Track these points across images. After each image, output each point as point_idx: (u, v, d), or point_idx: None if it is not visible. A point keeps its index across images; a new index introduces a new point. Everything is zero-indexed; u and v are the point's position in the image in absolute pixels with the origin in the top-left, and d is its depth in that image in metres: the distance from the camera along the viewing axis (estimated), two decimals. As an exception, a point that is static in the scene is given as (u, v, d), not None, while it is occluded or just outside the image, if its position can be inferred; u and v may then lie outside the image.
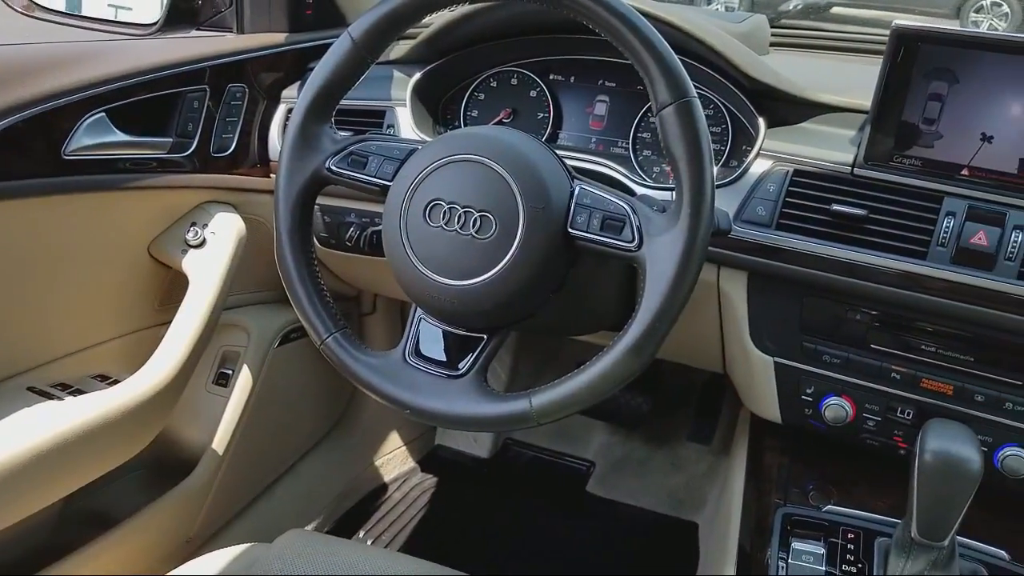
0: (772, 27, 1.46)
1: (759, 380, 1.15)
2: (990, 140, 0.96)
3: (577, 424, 2.05)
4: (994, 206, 0.96)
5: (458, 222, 0.86)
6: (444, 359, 0.92)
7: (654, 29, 0.81)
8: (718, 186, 1.08)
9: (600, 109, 1.29)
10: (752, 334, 1.13)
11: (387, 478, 1.93)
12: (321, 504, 1.75)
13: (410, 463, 1.98)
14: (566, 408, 0.84)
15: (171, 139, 1.24)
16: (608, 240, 0.85)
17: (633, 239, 0.83)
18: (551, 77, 1.32)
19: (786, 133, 1.10)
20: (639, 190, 1.14)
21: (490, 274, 0.85)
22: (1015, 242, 0.94)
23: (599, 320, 1.17)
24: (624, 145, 1.26)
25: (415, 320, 0.95)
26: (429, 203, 0.88)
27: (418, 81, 1.28)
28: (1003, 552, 0.99)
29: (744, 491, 1.21)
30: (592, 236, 0.85)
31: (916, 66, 0.96)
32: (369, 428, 1.88)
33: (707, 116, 1.18)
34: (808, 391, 1.11)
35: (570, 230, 0.86)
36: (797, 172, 1.04)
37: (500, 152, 0.87)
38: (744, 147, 1.15)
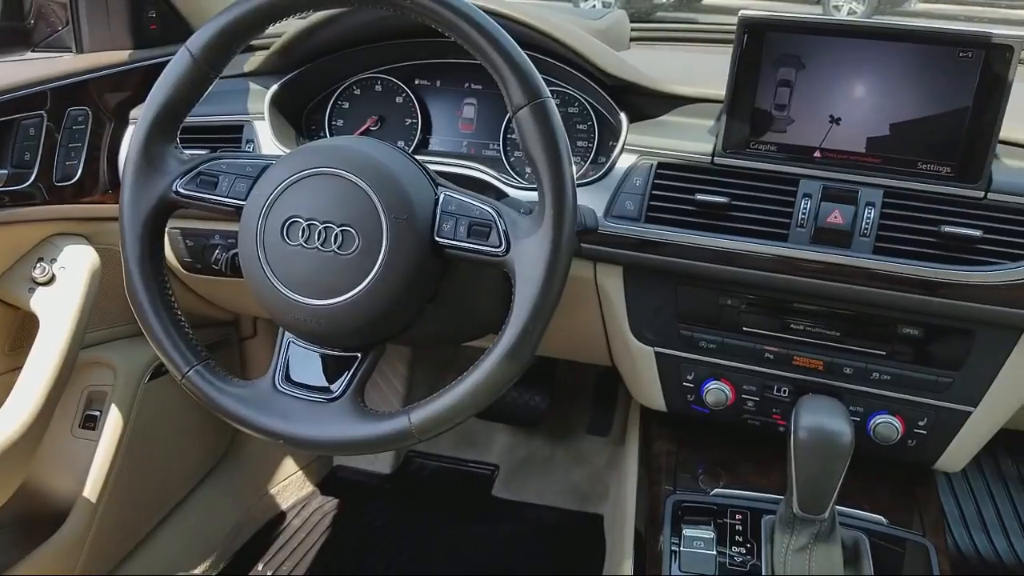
0: (638, 22, 1.49)
1: (642, 371, 1.16)
2: (838, 122, 0.99)
3: (478, 429, 2.03)
4: (846, 185, 1.00)
5: (318, 239, 0.83)
6: (317, 383, 0.88)
7: (501, 29, 0.80)
8: (587, 183, 1.08)
9: (469, 112, 1.27)
10: (632, 326, 1.14)
11: (284, 506, 1.86)
12: (214, 541, 1.66)
13: (308, 487, 1.91)
14: (447, 421, 0.82)
15: (6, 171, 1.15)
16: (475, 246, 0.83)
17: (500, 244, 0.82)
18: (417, 82, 1.29)
19: (648, 127, 1.11)
20: (512, 192, 1.13)
21: (357, 290, 0.82)
22: (868, 218, 0.98)
23: (486, 325, 1.16)
24: (495, 147, 1.25)
25: (283, 344, 0.90)
26: (286, 221, 0.84)
27: (276, 93, 1.23)
28: (882, 518, 1.03)
29: (637, 481, 1.22)
30: (459, 243, 0.83)
31: (764, 54, 0.99)
32: (260, 456, 1.81)
33: (572, 114, 1.21)
34: (689, 378, 1.13)
35: (437, 239, 0.84)
36: (661, 165, 1.06)
37: (357, 163, 0.84)
38: (610, 143, 1.15)
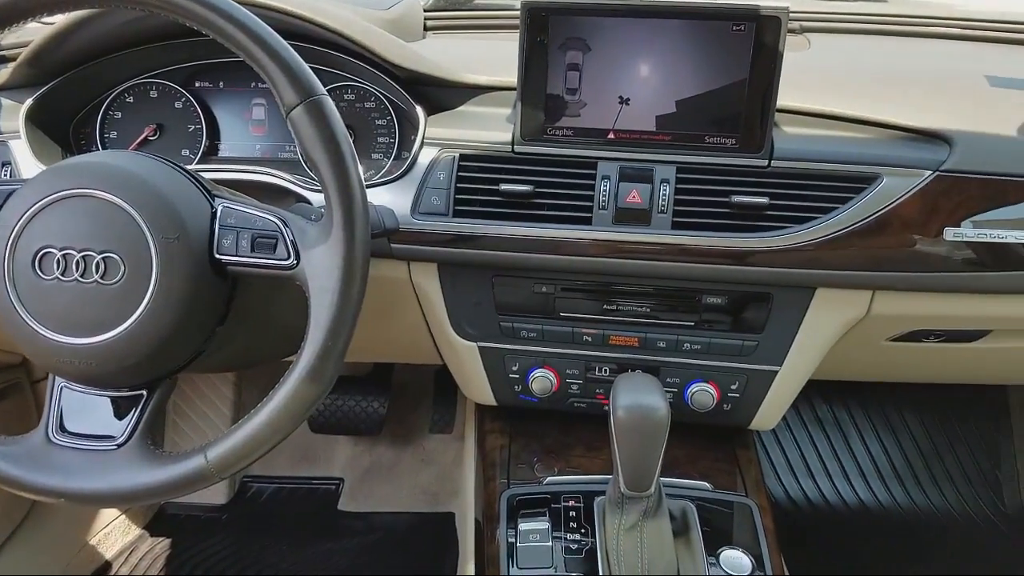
0: (434, 10, 1.45)
1: (468, 367, 1.14)
2: (627, 102, 1.00)
3: (318, 443, 1.95)
4: (641, 164, 1.01)
5: (77, 269, 0.74)
6: (97, 430, 0.79)
7: (262, 23, 0.74)
8: (392, 180, 1.04)
9: (259, 113, 1.19)
10: (452, 323, 1.11)
11: (109, 554, 1.69)
12: (28, 608, 1.49)
13: (135, 531, 1.76)
14: (248, 455, 0.75)
15: None
16: (261, 261, 0.77)
17: (288, 256, 0.76)
18: (197, 85, 1.19)
19: (447, 118, 1.08)
20: (314, 197, 1.06)
21: (128, 323, 0.74)
22: (664, 195, 0.99)
23: (299, 339, 1.09)
24: (291, 149, 1.18)
25: (54, 390, 0.80)
26: (38, 252, 0.74)
27: (31, 108, 1.09)
28: (707, 484, 1.06)
29: (475, 477, 1.20)
30: (243, 259, 0.77)
31: (550, 39, 0.98)
32: (72, 505, 1.64)
33: (369, 109, 1.16)
34: (514, 368, 1.12)
35: (217, 256, 0.77)
36: (463, 157, 1.03)
37: (115, 181, 0.75)
38: (412, 137, 1.11)
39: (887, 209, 0.97)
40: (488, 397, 1.16)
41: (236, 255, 0.77)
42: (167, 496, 0.77)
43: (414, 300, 1.13)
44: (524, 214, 1.02)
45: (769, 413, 1.11)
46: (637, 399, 0.89)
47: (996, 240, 0.97)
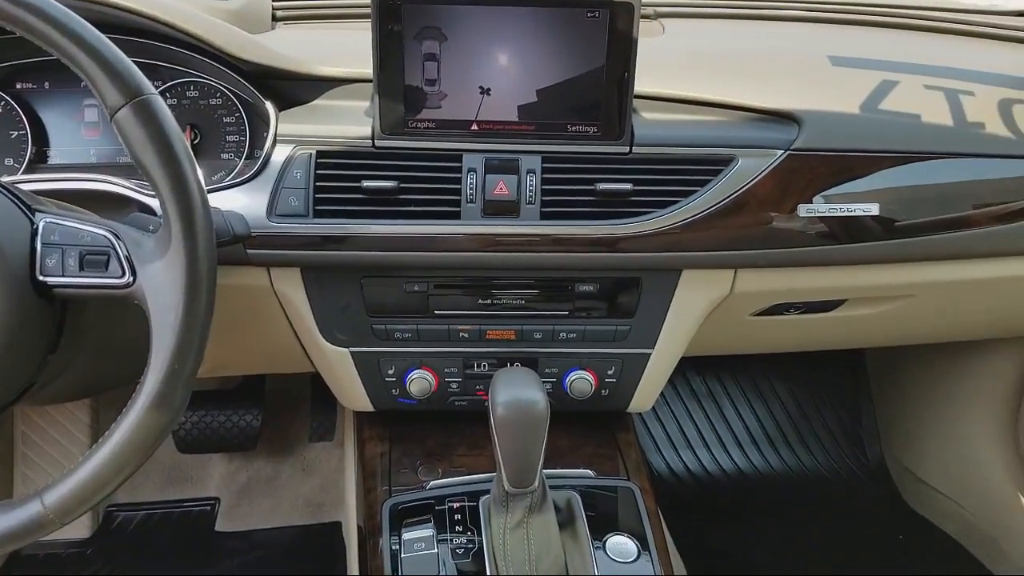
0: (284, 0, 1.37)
1: (342, 374, 1.09)
2: (489, 92, 0.98)
3: (189, 463, 1.84)
4: (507, 155, 0.99)
5: None
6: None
7: (76, 17, 0.67)
8: (244, 181, 0.98)
9: (92, 115, 1.10)
10: (321, 330, 1.06)
11: (-45, 610, 1.54)
12: None
13: (-16, 578, 1.60)
14: (92, 496, 0.68)
15: None
16: (91, 280, 0.70)
17: (123, 273, 0.70)
18: (19, 86, 1.08)
19: (301, 113, 1.03)
20: (158, 205, 0.98)
21: (-64, 358, 0.65)
22: (531, 186, 0.98)
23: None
24: (131, 152, 1.09)
25: None
26: None
27: None
28: (590, 472, 1.07)
29: (356, 487, 1.16)
30: (70, 280, 0.70)
31: (405, 28, 0.95)
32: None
33: (216, 106, 1.08)
34: (390, 372, 1.08)
35: (40, 278, 0.69)
36: (320, 154, 0.98)
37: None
38: (264, 135, 1.05)
39: (744, 189, 0.99)
40: (365, 403, 1.11)
41: (62, 275, 0.70)
42: (2, 549, 0.69)
43: (278, 308, 1.07)
44: (390, 211, 0.98)
45: (645, 395, 1.12)
46: (515, 394, 0.87)
47: (846, 214, 1.02)
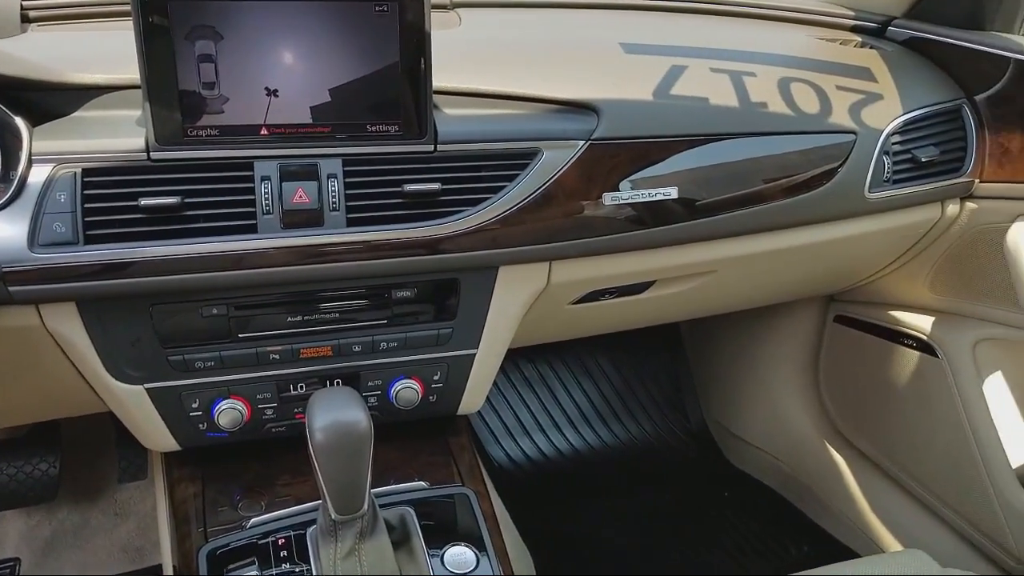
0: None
1: (138, 414, 0.98)
2: (276, 94, 0.91)
3: (-24, 524, 1.62)
4: (304, 160, 0.93)
5: None
6: None
7: None
8: (-3, 209, 0.84)
9: None
10: (109, 368, 0.95)
11: None
12: None
13: None
14: None
15: None
16: None
17: None
18: None
19: (61, 128, 0.91)
20: None
21: None
22: (333, 192, 0.92)
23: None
24: None
25: None
26: None
27: None
28: (423, 483, 1.03)
29: (169, 535, 1.05)
30: None
31: (173, 27, 0.85)
32: None
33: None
34: (194, 406, 0.99)
35: None
36: (88, 172, 0.87)
37: None
38: (19, 154, 0.92)
39: (551, 182, 0.99)
40: (169, 443, 1.01)
41: None
42: None
43: (55, 348, 0.95)
44: (176, 230, 0.89)
45: (474, 395, 1.10)
46: (334, 416, 0.81)
47: (648, 199, 1.05)
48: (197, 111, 0.89)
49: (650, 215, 1.06)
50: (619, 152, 1.03)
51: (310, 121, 0.93)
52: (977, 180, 1.25)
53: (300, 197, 0.92)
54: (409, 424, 1.09)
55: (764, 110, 1.13)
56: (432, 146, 0.96)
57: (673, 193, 1.06)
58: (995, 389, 1.34)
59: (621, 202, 1.04)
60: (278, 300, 0.97)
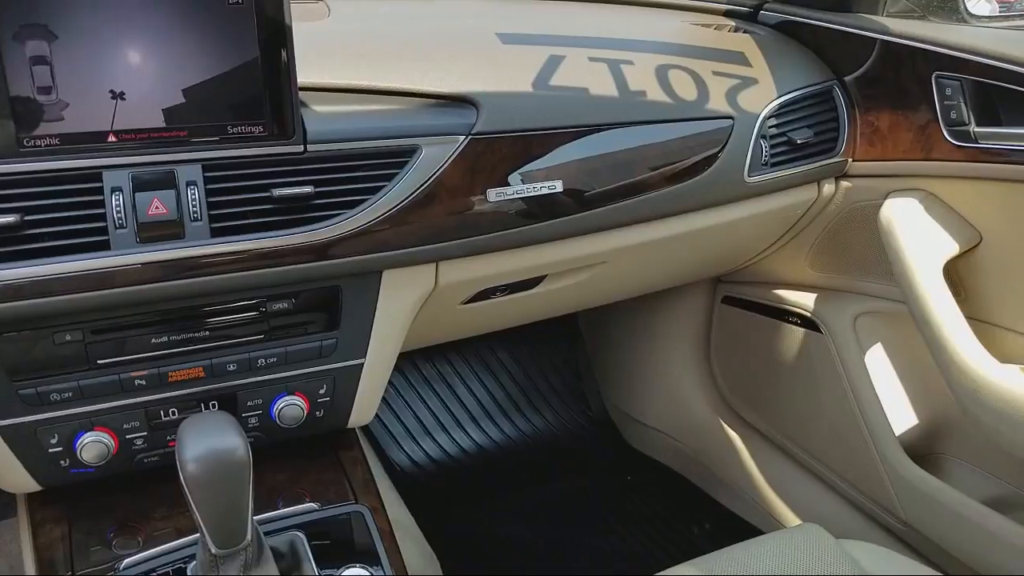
0: None
1: (-13, 455, 0.89)
2: (123, 96, 0.83)
3: None
4: (159, 168, 0.85)
5: None
6: None
7: None
8: None
9: None
10: (-53, 408, 0.85)
11: None
12: None
13: None
14: None
15: None
16: None
17: None
18: None
19: None
20: None
21: None
22: (194, 200, 0.85)
23: None
24: None
25: None
26: None
27: None
28: (313, 504, 0.98)
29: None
30: None
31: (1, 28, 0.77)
32: None
33: None
34: (53, 442, 0.90)
35: None
36: None
37: None
38: None
39: (432, 180, 0.95)
40: (28, 483, 0.92)
41: None
42: None
43: None
44: (17, 251, 0.80)
45: (365, 406, 1.05)
46: (207, 445, 0.75)
47: (533, 193, 1.02)
48: (33, 119, 0.80)
49: (537, 209, 1.03)
50: (501, 146, 1.00)
51: (163, 125, 0.85)
52: (850, 159, 1.29)
53: (156, 208, 0.84)
54: (296, 442, 1.04)
55: (643, 98, 1.13)
56: (301, 147, 0.90)
57: (558, 186, 1.04)
58: (876, 361, 1.39)
59: (506, 198, 1.01)
60: (140, 321, 0.89)
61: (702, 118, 1.15)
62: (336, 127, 0.93)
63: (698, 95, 1.17)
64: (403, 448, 1.92)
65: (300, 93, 0.90)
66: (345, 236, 0.91)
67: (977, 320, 1.21)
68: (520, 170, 1.01)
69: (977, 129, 1.12)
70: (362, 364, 1.02)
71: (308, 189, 0.89)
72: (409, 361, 2.01)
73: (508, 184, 1.01)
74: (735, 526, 1.72)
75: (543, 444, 2.06)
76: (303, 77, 0.90)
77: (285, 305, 0.95)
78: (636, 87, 1.13)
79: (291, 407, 0.98)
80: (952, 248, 1.18)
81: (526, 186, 1.02)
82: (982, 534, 1.19)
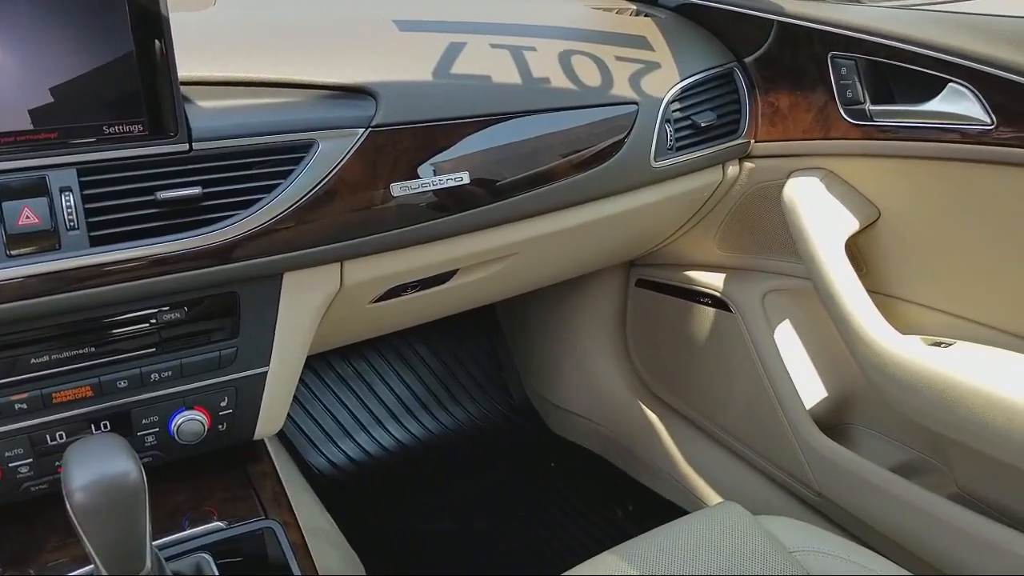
0: None
1: None
2: (-20, 96, 0.76)
3: None
4: (28, 173, 0.78)
5: None
6: None
7: None
8: None
9: None
10: None
11: None
12: None
13: None
14: None
15: None
16: None
17: None
18: None
19: None
20: None
21: None
22: (69, 208, 0.79)
23: None
24: None
25: None
26: None
27: None
28: (220, 524, 0.93)
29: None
30: None
31: None
32: None
33: None
34: (-77, 477, 0.82)
35: None
36: None
37: None
38: None
39: (331, 176, 0.91)
40: None
41: None
42: None
43: None
44: None
45: (272, 416, 1.00)
46: (95, 471, 0.69)
47: (439, 186, 0.99)
48: None
49: (444, 203, 1.00)
50: (403, 138, 0.96)
51: (31, 127, 0.78)
52: (753, 141, 1.31)
53: (27, 217, 0.77)
54: (201, 458, 0.98)
55: (548, 85, 1.11)
56: (186, 145, 0.84)
57: (465, 178, 1.01)
58: (785, 337, 1.42)
59: (411, 191, 0.97)
60: (16, 340, 0.82)
61: (607, 104, 1.14)
62: (224, 123, 0.87)
63: (602, 81, 1.16)
64: (322, 451, 1.87)
65: (184, 88, 0.85)
66: (239, 239, 0.86)
67: (878, 293, 1.24)
68: (424, 162, 0.98)
69: (872, 107, 1.15)
70: (266, 372, 0.97)
71: (196, 191, 0.83)
72: (324, 362, 1.95)
73: (413, 177, 0.97)
74: (659, 506, 1.74)
75: (466, 436, 2.04)
76: (186, 71, 0.85)
77: (178, 315, 0.89)
78: (540, 74, 1.11)
79: (191, 422, 0.92)
80: (853, 225, 1.21)
81: (431, 179, 0.99)
82: (890, 500, 1.23)
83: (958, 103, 1.04)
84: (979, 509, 1.16)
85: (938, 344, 1.13)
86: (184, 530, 0.90)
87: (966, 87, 1.02)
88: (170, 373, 0.90)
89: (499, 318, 2.12)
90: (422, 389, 2.05)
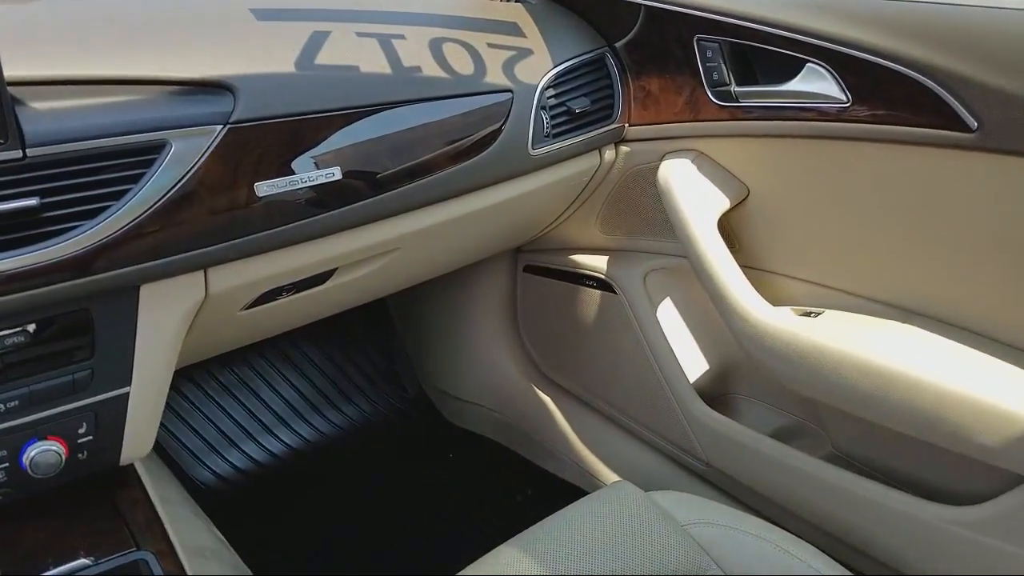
0: None
1: None
2: None
3: None
4: None
5: None
6: None
7: None
8: None
9: None
10: None
11: None
12: None
13: None
14: None
15: None
16: None
17: None
18: None
19: None
20: None
21: None
22: None
23: None
24: None
25: None
26: None
27: None
28: (85, 560, 0.86)
29: None
30: None
31: None
32: None
33: None
34: None
35: None
36: None
37: None
38: None
39: (187, 177, 0.84)
40: None
41: None
42: None
43: None
44: None
45: (139, 438, 0.94)
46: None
47: (308, 184, 0.94)
48: None
49: (315, 201, 0.96)
50: (266, 135, 0.91)
51: None
52: (626, 125, 1.32)
53: None
54: (62, 490, 0.90)
55: (419, 75, 1.08)
56: (19, 152, 0.76)
57: (337, 174, 0.97)
58: (667, 314, 1.45)
59: (278, 191, 0.92)
60: None
61: (481, 92, 1.12)
62: (63, 126, 0.80)
63: (475, 69, 1.13)
64: (207, 465, 1.78)
65: (12, 89, 0.77)
66: (86, 252, 0.79)
67: (751, 268, 1.28)
68: (291, 159, 0.93)
69: (737, 88, 1.18)
70: (128, 393, 0.90)
71: (32, 201, 0.76)
72: (204, 371, 1.86)
73: (279, 176, 0.92)
74: (558, 488, 1.75)
75: (361, 435, 1.99)
76: (14, 69, 0.77)
77: (22, 338, 0.81)
78: (410, 63, 1.08)
79: (46, 453, 0.85)
80: (724, 203, 1.24)
81: (300, 176, 0.94)
82: (771, 464, 1.28)
83: (816, 82, 1.08)
84: (853, 468, 1.22)
85: (808, 314, 1.18)
86: (48, 570, 0.83)
87: (823, 67, 1.06)
88: (17, 403, 0.82)
89: (390, 309, 2.08)
90: (311, 390, 1.98)
